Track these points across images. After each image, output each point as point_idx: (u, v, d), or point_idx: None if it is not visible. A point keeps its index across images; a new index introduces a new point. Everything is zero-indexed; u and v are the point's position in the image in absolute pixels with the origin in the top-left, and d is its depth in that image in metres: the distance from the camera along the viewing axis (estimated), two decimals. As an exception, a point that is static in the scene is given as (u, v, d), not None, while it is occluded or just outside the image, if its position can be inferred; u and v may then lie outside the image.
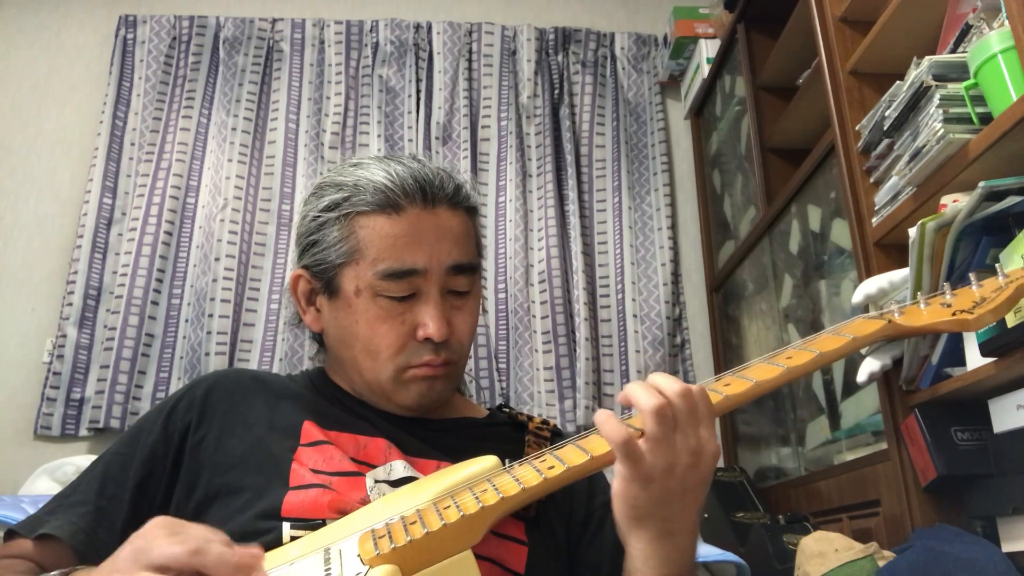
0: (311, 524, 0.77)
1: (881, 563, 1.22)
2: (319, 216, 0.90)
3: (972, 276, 0.81)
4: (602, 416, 0.68)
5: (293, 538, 0.76)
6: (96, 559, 0.78)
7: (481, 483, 0.71)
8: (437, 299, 0.86)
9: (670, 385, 0.69)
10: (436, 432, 0.92)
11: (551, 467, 0.69)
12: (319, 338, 0.98)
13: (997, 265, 0.81)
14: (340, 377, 0.95)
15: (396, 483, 0.83)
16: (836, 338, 0.78)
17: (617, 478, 0.69)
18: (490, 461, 0.75)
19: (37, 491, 1.90)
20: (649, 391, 0.69)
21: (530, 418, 0.99)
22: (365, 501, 0.80)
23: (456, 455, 0.86)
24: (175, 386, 2.32)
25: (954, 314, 0.77)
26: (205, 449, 0.86)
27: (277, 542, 0.76)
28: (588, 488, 0.91)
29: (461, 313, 0.89)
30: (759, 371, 0.75)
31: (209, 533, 0.61)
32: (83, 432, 2.28)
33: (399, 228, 0.86)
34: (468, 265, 0.89)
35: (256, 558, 0.62)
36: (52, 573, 0.68)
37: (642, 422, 0.68)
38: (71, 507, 0.83)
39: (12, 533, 0.83)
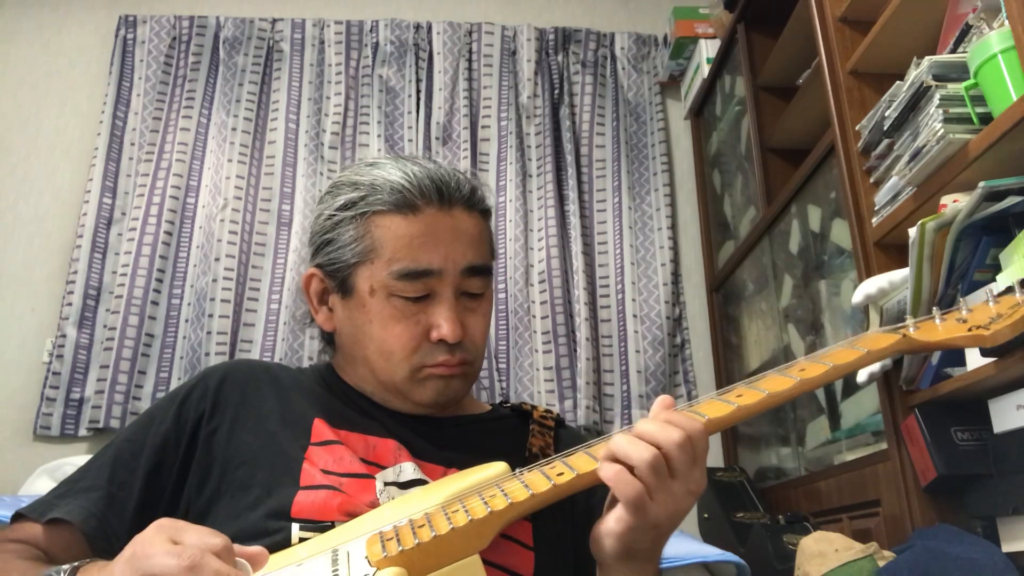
0: (320, 526, 0.77)
1: (881, 563, 1.22)
2: (335, 215, 0.89)
3: (988, 292, 0.81)
4: (609, 471, 0.67)
5: (302, 539, 0.76)
6: (106, 545, 0.77)
7: (490, 488, 0.71)
8: (451, 300, 0.86)
9: (667, 436, 0.67)
10: (443, 429, 0.92)
11: (560, 473, 0.70)
12: (329, 337, 0.98)
13: (1016, 282, 0.81)
14: (350, 376, 0.95)
15: (405, 485, 0.83)
16: (850, 351, 0.78)
17: (618, 524, 0.68)
18: (500, 467, 0.75)
19: (37, 491, 1.89)
20: (636, 445, 0.67)
21: (534, 407, 0.99)
22: (374, 504, 0.80)
23: (465, 451, 0.87)
24: (175, 386, 2.32)
25: (970, 330, 0.77)
26: (218, 441, 0.86)
27: (286, 542, 0.76)
28: None
29: (475, 315, 0.89)
30: (772, 383, 0.75)
31: (210, 540, 0.60)
32: (83, 432, 2.28)
33: (415, 228, 0.86)
34: (483, 267, 0.89)
35: (259, 557, 0.62)
36: (62, 567, 0.68)
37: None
38: (82, 492, 0.82)
39: (19, 516, 0.82)
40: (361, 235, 0.87)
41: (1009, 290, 0.81)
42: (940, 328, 0.80)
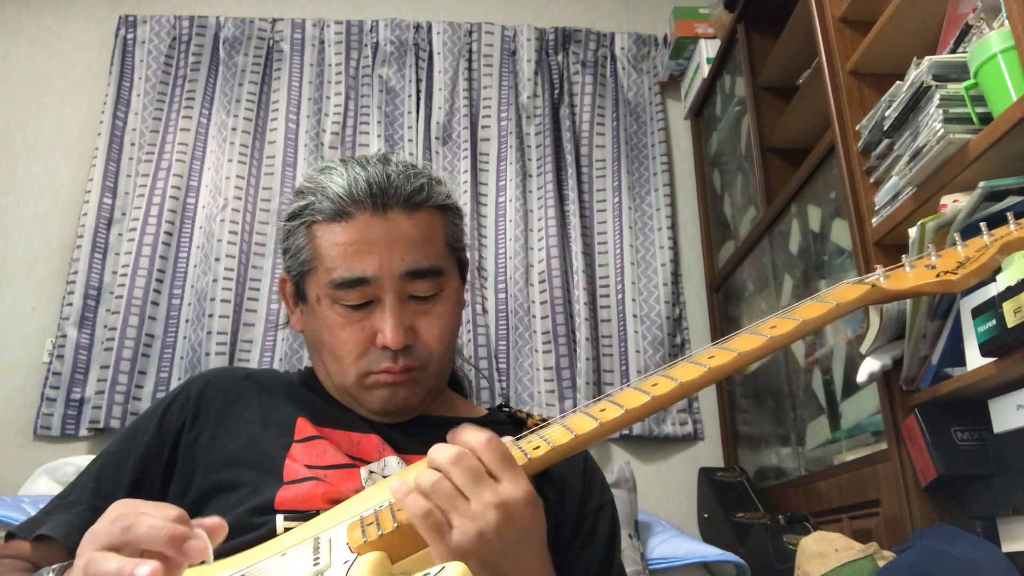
0: (305, 515, 0.78)
1: (881, 563, 1.22)
2: (286, 224, 0.91)
3: (957, 236, 0.80)
4: (401, 492, 0.66)
5: (287, 529, 0.76)
6: None
7: None
8: (394, 306, 0.84)
9: (441, 455, 0.66)
10: (429, 429, 0.91)
11: (536, 447, 0.69)
12: None
13: (982, 224, 0.80)
14: (321, 376, 0.96)
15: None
16: (819, 305, 0.77)
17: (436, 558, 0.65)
18: None
19: (37, 491, 1.90)
20: (405, 477, 0.66)
21: (529, 415, 0.98)
22: (359, 492, 0.80)
23: None
24: (175, 386, 2.32)
25: (938, 275, 0.76)
26: (199, 447, 0.87)
27: (271, 534, 0.76)
28: (583, 490, 0.91)
29: (427, 318, 0.87)
30: (743, 342, 0.74)
31: (166, 511, 0.61)
32: (83, 432, 2.28)
33: (348, 236, 0.85)
34: (426, 269, 0.86)
35: (218, 528, 0.62)
36: (51, 567, 0.68)
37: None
38: (67, 507, 0.84)
39: (12, 535, 0.84)
40: (305, 244, 0.88)
41: (977, 232, 0.80)
42: (910, 275, 0.79)
